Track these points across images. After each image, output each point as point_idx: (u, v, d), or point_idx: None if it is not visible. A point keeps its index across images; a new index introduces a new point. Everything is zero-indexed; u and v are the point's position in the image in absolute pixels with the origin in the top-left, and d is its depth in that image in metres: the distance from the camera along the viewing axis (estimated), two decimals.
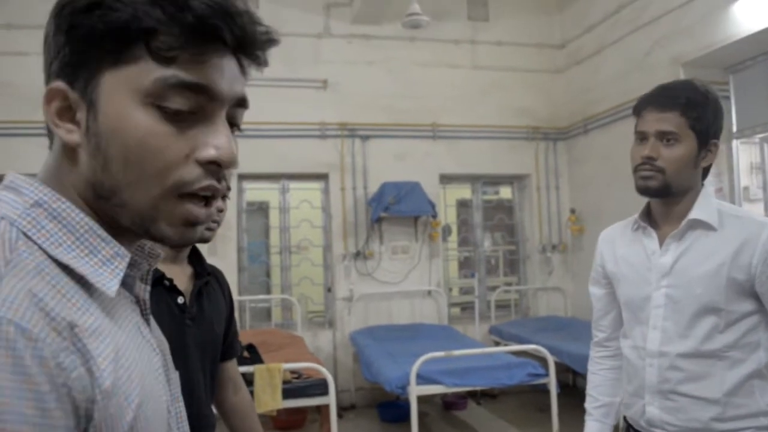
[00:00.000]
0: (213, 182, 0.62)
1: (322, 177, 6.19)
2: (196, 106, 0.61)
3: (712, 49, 4.55)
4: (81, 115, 0.60)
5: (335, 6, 6.20)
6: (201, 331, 1.48)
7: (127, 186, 0.60)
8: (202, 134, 0.61)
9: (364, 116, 6.12)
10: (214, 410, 1.64)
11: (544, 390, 4.06)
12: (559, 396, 3.91)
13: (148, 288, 0.72)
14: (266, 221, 6.56)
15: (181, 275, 1.50)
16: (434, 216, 6.08)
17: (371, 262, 6.08)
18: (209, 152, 0.61)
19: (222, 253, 5.61)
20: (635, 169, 1.60)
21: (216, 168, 0.62)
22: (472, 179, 6.67)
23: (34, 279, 0.51)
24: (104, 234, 0.60)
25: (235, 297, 5.60)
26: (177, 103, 0.59)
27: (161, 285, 1.43)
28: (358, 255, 6.05)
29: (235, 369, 1.74)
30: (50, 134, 0.63)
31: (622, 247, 1.76)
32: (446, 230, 6.50)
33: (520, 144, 6.57)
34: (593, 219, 6.22)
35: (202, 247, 1.63)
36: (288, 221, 6.22)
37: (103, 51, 0.58)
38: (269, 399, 3.50)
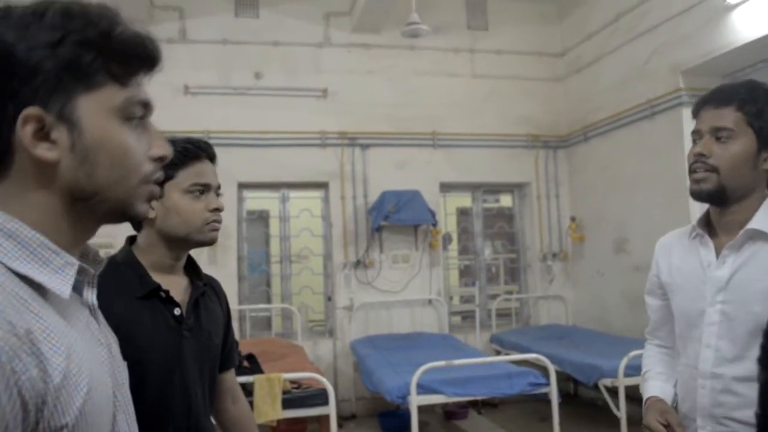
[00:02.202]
0: (160, 173, 0.81)
1: (323, 186, 6.19)
2: (143, 116, 0.78)
3: (711, 57, 4.56)
4: (58, 135, 0.70)
5: (335, 15, 6.22)
6: (198, 342, 1.47)
7: (110, 184, 0.74)
8: (147, 137, 0.78)
9: (364, 125, 6.13)
10: (213, 421, 1.63)
11: (545, 399, 4.04)
12: (561, 405, 3.89)
13: (95, 290, 0.82)
14: (266, 230, 6.55)
15: (177, 286, 1.49)
16: (434, 224, 6.07)
17: (371, 270, 6.07)
18: (159, 151, 0.79)
19: (222, 263, 5.60)
20: (689, 171, 1.49)
21: (161, 161, 0.80)
22: (473, 187, 6.67)
23: None
24: (54, 247, 0.70)
25: (235, 306, 5.62)
26: (137, 114, 0.76)
27: (157, 297, 1.42)
28: (358, 264, 6.04)
29: (233, 379, 1.73)
30: None
31: (677, 256, 1.62)
32: (446, 239, 6.49)
33: (520, 152, 6.57)
34: (594, 227, 6.22)
35: (202, 256, 1.62)
36: (288, 230, 6.22)
37: (74, 80, 0.70)
38: (269, 409, 3.48)
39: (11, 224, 0.68)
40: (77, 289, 0.78)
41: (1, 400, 0.57)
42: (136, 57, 0.75)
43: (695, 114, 1.52)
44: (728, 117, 1.43)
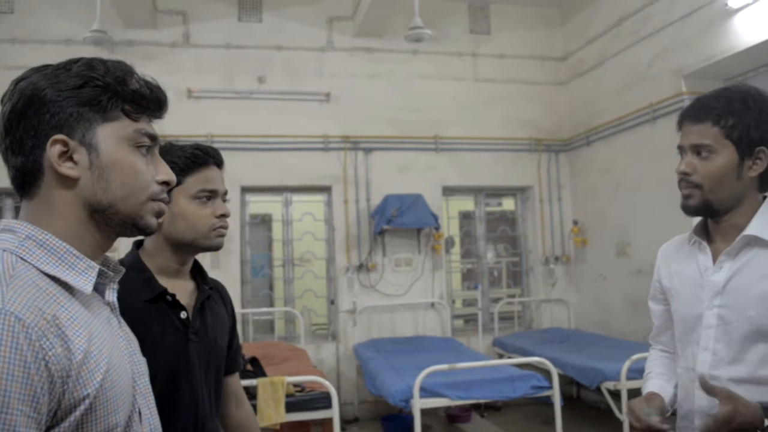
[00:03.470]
0: (165, 194, 0.99)
1: (325, 189, 6.21)
2: (150, 146, 0.96)
3: (713, 61, 4.57)
4: (79, 156, 0.88)
5: (338, 20, 6.24)
6: (204, 345, 1.48)
7: (122, 198, 0.91)
8: (154, 165, 0.97)
9: (366, 129, 6.15)
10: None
11: (548, 402, 4.05)
12: (563, 408, 3.90)
13: (115, 292, 0.98)
14: (269, 234, 6.57)
15: (183, 290, 1.50)
16: (437, 228, 6.08)
17: (374, 274, 6.08)
18: (164, 177, 0.98)
19: (225, 266, 5.61)
20: (678, 187, 1.52)
21: (167, 185, 0.98)
22: (475, 191, 6.68)
23: (30, 286, 0.78)
24: (78, 253, 0.88)
25: (238, 310, 5.62)
26: (145, 143, 0.94)
27: (164, 300, 1.43)
28: (361, 267, 6.05)
29: (237, 383, 1.74)
30: (21, 191, 0.90)
31: (677, 261, 1.65)
32: (449, 242, 6.50)
33: (523, 156, 6.58)
34: (596, 230, 6.22)
35: (205, 260, 1.63)
36: (291, 234, 6.24)
37: (94, 114, 0.89)
38: (272, 412, 3.49)
39: (42, 236, 0.86)
40: (99, 290, 0.95)
41: (31, 369, 0.72)
42: (145, 99, 0.94)
43: (679, 127, 1.55)
44: (706, 133, 1.45)
